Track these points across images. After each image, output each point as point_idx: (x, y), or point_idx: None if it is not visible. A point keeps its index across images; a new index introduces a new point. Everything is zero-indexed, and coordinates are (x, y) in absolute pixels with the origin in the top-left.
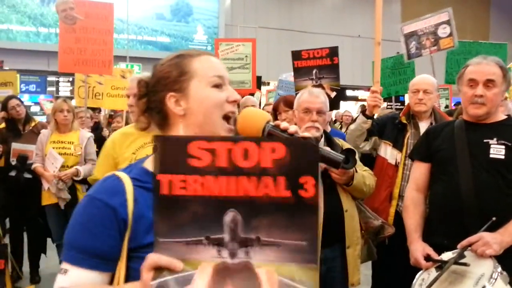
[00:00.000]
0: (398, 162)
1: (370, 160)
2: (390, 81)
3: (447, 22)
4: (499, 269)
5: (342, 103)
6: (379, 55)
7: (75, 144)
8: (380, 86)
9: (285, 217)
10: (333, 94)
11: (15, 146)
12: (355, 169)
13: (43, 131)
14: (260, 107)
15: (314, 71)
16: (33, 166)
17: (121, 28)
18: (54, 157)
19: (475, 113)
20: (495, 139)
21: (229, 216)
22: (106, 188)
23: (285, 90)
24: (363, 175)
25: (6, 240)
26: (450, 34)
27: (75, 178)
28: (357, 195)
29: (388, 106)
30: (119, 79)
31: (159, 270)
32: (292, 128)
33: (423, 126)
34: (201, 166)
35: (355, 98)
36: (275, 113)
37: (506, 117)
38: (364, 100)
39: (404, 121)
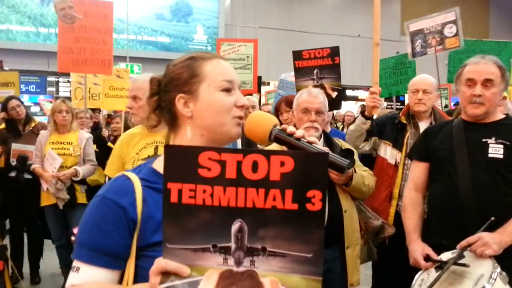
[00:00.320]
0: (398, 162)
1: (370, 160)
2: (391, 81)
3: (454, 22)
4: (499, 269)
5: (342, 103)
6: (378, 56)
7: (74, 145)
8: (379, 87)
9: (291, 229)
10: (334, 94)
11: (15, 146)
12: (354, 169)
13: (42, 132)
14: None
15: (315, 71)
16: (32, 167)
17: (121, 28)
18: (53, 157)
19: (474, 113)
20: (493, 138)
21: (236, 226)
22: (116, 188)
23: (286, 90)
24: (362, 175)
25: (6, 241)
26: (456, 34)
27: (74, 179)
28: (356, 195)
29: (389, 106)
30: (114, 79)
31: (166, 274)
32: (299, 133)
33: (423, 126)
34: (210, 177)
35: (355, 98)
36: (277, 113)
37: (504, 116)
38: (364, 100)
39: (404, 121)
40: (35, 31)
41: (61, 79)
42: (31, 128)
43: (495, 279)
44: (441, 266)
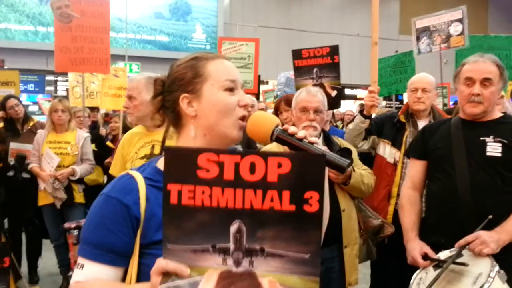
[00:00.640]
0: (397, 161)
1: (368, 159)
2: (391, 79)
3: (460, 20)
4: (497, 267)
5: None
6: (376, 55)
7: (71, 144)
8: (377, 86)
9: (289, 230)
10: (334, 93)
11: (13, 145)
12: (353, 168)
13: (39, 131)
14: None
15: (314, 70)
16: (29, 166)
17: (119, 27)
18: (50, 156)
19: (472, 112)
20: (491, 137)
21: (235, 226)
22: (120, 187)
23: (292, 89)
24: (361, 174)
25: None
26: (462, 33)
27: (71, 178)
28: (355, 194)
29: (387, 105)
30: (112, 78)
31: (167, 274)
32: (301, 133)
33: (422, 124)
34: (209, 178)
35: (354, 97)
36: (276, 112)
37: (502, 115)
38: (362, 99)
39: (403, 120)
40: (33, 30)
41: (59, 78)
42: (29, 127)
43: (494, 278)
44: (439, 264)
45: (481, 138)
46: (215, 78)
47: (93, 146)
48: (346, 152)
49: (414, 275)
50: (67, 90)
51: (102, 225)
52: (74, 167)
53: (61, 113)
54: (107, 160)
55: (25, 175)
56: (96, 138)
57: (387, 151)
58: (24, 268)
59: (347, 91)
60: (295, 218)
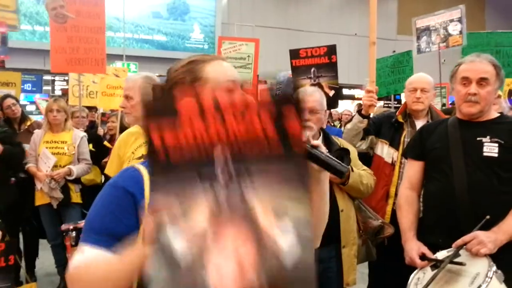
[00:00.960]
0: (395, 161)
1: (366, 159)
2: (389, 79)
3: (459, 20)
4: (494, 267)
5: (339, 102)
6: (374, 55)
7: (68, 144)
8: (375, 86)
9: (271, 147)
10: (331, 93)
11: None
12: (351, 168)
13: (36, 131)
14: None
15: (312, 70)
16: (26, 166)
17: (117, 26)
18: (46, 156)
19: (469, 112)
20: (488, 137)
21: (218, 150)
22: (125, 177)
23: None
24: (360, 174)
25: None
26: (460, 32)
27: (68, 178)
28: (354, 194)
29: (385, 105)
30: (112, 77)
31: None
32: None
33: (420, 124)
34: (187, 110)
35: (352, 97)
36: None
37: (499, 115)
38: (360, 99)
39: (401, 120)
40: (31, 29)
41: (57, 78)
42: (26, 127)
43: (491, 278)
44: (436, 265)
45: (478, 138)
46: (214, 80)
47: (90, 146)
48: (344, 153)
49: (412, 275)
50: (62, 90)
51: (108, 212)
52: (70, 167)
53: (56, 113)
54: (105, 160)
55: (21, 174)
56: (94, 138)
57: (385, 151)
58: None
59: (345, 91)
60: (276, 135)
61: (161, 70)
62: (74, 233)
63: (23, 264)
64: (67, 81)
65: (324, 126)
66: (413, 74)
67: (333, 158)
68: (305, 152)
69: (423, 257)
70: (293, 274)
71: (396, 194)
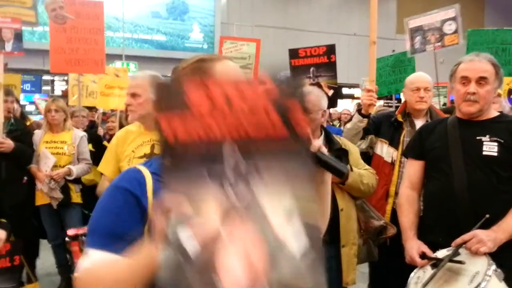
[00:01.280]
0: (394, 160)
1: (366, 158)
2: (390, 79)
3: (453, 19)
4: (493, 266)
5: (338, 101)
6: (374, 54)
7: (68, 144)
8: (375, 85)
9: (278, 145)
10: (330, 92)
11: None
12: (350, 167)
13: (36, 131)
14: None
15: (311, 70)
16: (28, 166)
17: (116, 26)
18: (46, 156)
19: (468, 111)
20: (487, 136)
21: (227, 148)
22: (129, 179)
23: None
24: (360, 173)
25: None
26: (456, 31)
27: (68, 178)
28: (355, 193)
29: (385, 104)
30: (113, 77)
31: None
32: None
33: (419, 124)
34: (198, 104)
35: (351, 96)
36: None
37: (498, 114)
38: (360, 98)
39: (400, 119)
40: (30, 29)
41: (56, 78)
42: None
43: (490, 276)
44: (436, 263)
45: (477, 138)
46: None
47: (90, 146)
48: (342, 153)
49: (412, 274)
50: (62, 92)
51: (111, 213)
52: (70, 167)
53: (54, 113)
54: None
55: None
56: (94, 138)
57: (384, 150)
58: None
59: (345, 90)
60: (282, 131)
61: (161, 70)
62: (84, 238)
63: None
64: (66, 81)
65: (325, 125)
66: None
67: (333, 159)
68: (310, 148)
69: (423, 256)
70: (303, 273)
71: (396, 193)
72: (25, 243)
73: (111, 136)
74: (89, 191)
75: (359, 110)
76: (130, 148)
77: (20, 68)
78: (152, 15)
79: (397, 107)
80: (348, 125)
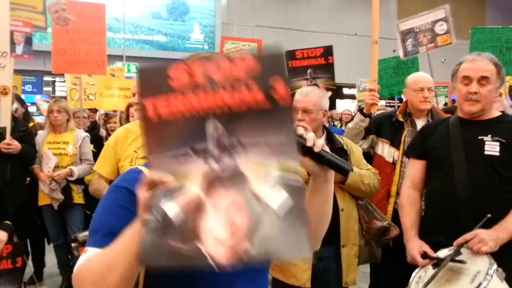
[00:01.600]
0: (395, 160)
1: (367, 158)
2: (393, 81)
3: (444, 19)
4: (495, 266)
5: (338, 101)
6: (376, 53)
7: (70, 144)
8: (377, 85)
9: (261, 118)
10: (328, 94)
11: None
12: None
13: (39, 132)
14: None
15: (308, 71)
16: (31, 167)
17: (117, 27)
18: (48, 157)
19: (470, 110)
20: (489, 136)
21: (210, 125)
22: (128, 178)
23: None
24: (361, 173)
25: None
26: (448, 31)
27: (69, 178)
28: (356, 194)
29: (387, 104)
30: (110, 78)
31: (154, 189)
32: (300, 131)
33: (420, 124)
34: (180, 85)
35: (352, 96)
36: None
37: (500, 113)
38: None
39: (401, 119)
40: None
41: (57, 79)
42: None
43: (492, 276)
44: (438, 263)
45: (479, 137)
46: None
47: (91, 147)
48: (341, 153)
49: (413, 273)
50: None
51: (111, 212)
52: (71, 168)
53: (56, 113)
54: None
55: None
56: (95, 138)
57: (385, 150)
58: (27, 269)
59: (345, 91)
60: (265, 105)
61: None
62: None
63: (30, 264)
64: (66, 84)
65: (327, 125)
66: None
67: (337, 157)
68: (293, 120)
69: (424, 255)
70: (285, 229)
71: (397, 193)
72: (31, 243)
73: None
74: None
75: (361, 110)
76: (132, 148)
77: (21, 69)
78: (152, 16)
79: (399, 107)
80: (350, 125)
